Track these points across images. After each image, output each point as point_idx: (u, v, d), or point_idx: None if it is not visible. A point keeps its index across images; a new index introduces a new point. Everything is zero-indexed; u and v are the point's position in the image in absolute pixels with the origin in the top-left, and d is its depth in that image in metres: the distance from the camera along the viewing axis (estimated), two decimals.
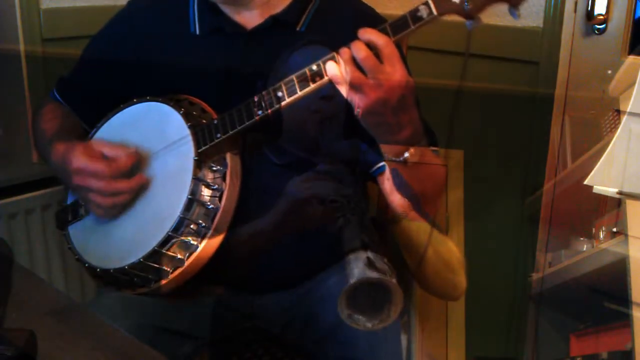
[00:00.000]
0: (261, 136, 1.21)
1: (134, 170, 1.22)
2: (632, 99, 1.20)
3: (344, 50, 1.06)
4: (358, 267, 1.08)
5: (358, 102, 1.06)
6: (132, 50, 1.32)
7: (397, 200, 1.22)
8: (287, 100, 1.11)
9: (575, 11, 1.83)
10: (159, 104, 1.25)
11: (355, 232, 1.16)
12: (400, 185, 1.20)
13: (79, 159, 1.21)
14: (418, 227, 1.39)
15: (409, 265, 1.37)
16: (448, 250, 1.39)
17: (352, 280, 1.07)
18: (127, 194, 1.21)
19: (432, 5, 1.05)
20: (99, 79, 1.37)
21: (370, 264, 1.09)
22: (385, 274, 1.07)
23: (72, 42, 1.66)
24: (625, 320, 1.33)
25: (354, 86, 1.05)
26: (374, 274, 1.07)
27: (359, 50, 1.05)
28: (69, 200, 1.33)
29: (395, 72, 1.05)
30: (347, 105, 1.09)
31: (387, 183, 1.23)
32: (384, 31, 1.06)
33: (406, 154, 1.12)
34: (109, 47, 1.36)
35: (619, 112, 1.46)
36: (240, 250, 1.22)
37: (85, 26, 1.60)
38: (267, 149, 1.23)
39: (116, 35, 1.36)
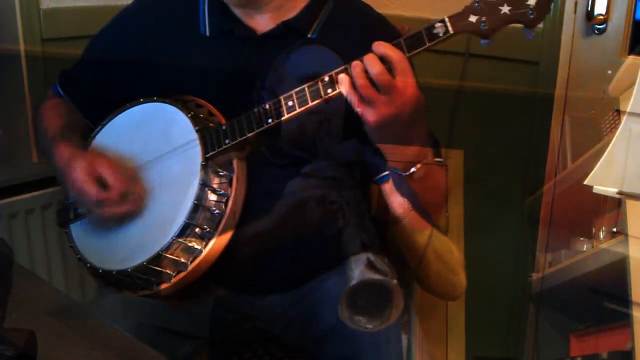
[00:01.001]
0: (262, 137, 1.21)
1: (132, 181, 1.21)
2: (632, 99, 1.20)
3: (357, 63, 1.06)
4: (358, 269, 1.08)
5: (369, 116, 1.05)
6: (137, 49, 1.30)
7: (397, 202, 1.22)
8: (298, 110, 1.11)
9: (575, 11, 1.83)
10: (166, 104, 1.24)
11: (355, 234, 1.16)
12: (402, 191, 1.19)
13: (78, 176, 1.20)
14: None
15: (409, 265, 1.37)
16: (448, 250, 1.39)
17: (353, 282, 1.07)
18: (118, 215, 1.20)
19: (448, 24, 1.05)
20: (102, 76, 1.36)
21: (370, 265, 1.08)
22: (386, 274, 1.07)
23: (72, 42, 1.66)
24: (625, 320, 1.33)
25: (365, 100, 1.05)
26: (374, 275, 1.07)
27: (372, 64, 1.04)
28: (71, 198, 1.32)
29: (407, 87, 1.04)
30: (347, 107, 1.09)
31: (387, 186, 1.23)
32: (398, 46, 1.05)
33: (413, 169, 1.12)
34: (112, 44, 1.35)
35: (619, 112, 1.46)
36: (241, 252, 1.21)
37: (85, 26, 1.59)
38: (266, 149, 1.23)
39: (121, 33, 1.35)
